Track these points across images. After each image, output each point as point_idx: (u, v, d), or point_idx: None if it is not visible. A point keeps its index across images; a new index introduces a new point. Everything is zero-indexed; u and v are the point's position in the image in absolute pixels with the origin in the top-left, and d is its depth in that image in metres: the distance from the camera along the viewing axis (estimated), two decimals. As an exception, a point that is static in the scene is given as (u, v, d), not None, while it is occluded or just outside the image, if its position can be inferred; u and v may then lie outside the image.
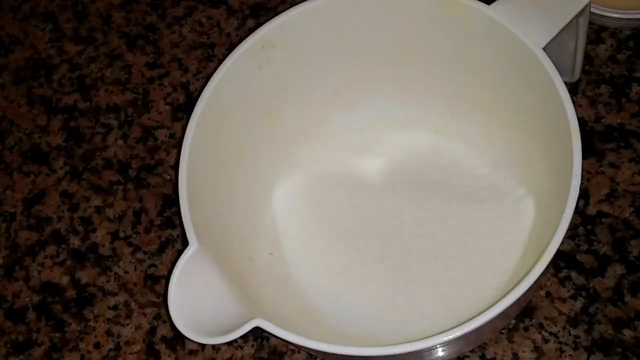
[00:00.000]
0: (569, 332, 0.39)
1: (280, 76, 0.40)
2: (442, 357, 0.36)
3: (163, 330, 0.42)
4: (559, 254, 0.36)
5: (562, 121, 0.33)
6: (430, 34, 0.39)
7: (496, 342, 0.39)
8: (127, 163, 0.47)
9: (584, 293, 0.40)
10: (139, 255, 0.44)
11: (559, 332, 0.39)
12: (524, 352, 0.39)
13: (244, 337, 0.41)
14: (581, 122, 0.43)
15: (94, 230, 0.46)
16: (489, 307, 0.30)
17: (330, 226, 0.42)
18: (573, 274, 0.40)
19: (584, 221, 0.41)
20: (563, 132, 0.33)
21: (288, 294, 0.40)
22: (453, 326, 0.30)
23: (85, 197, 0.47)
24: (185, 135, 0.35)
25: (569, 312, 0.39)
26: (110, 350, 0.42)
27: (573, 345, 0.38)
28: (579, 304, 0.39)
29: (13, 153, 0.49)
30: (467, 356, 0.39)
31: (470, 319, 0.30)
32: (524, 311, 0.39)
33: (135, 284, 0.44)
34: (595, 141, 0.43)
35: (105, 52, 0.52)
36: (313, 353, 0.39)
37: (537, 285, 0.34)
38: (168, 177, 0.47)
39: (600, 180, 0.42)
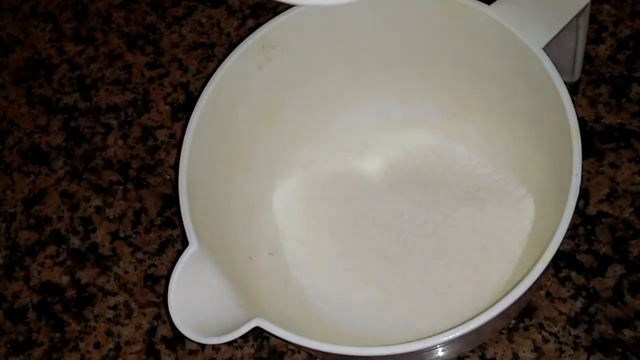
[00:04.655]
0: (569, 332, 0.39)
1: (280, 76, 0.40)
2: (442, 357, 0.36)
3: (163, 330, 0.42)
4: (559, 254, 0.36)
5: (562, 121, 0.33)
6: (430, 34, 0.39)
7: (496, 342, 0.39)
8: (127, 163, 0.47)
9: (584, 293, 0.40)
10: (139, 255, 0.44)
11: (559, 332, 0.39)
12: (524, 352, 0.39)
13: (244, 337, 0.41)
14: (581, 122, 0.43)
15: (94, 230, 0.46)
16: (489, 307, 0.30)
17: (330, 226, 0.42)
18: (573, 274, 0.40)
19: (584, 221, 0.41)
20: (563, 132, 0.33)
21: (288, 294, 0.40)
22: (453, 326, 0.30)
23: (85, 197, 0.47)
24: (185, 135, 0.35)
25: (569, 312, 0.39)
26: (110, 350, 0.42)
27: (573, 345, 0.38)
28: (579, 304, 0.39)
29: (13, 153, 0.49)
30: (467, 356, 0.39)
31: (470, 319, 0.30)
32: (524, 311, 0.39)
33: (135, 284, 0.44)
34: (595, 141, 0.43)
35: (105, 52, 0.52)
36: (313, 353, 0.39)
37: (537, 285, 0.34)
38: (168, 177, 0.47)
39: (600, 180, 0.42)
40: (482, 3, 0.36)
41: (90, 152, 0.48)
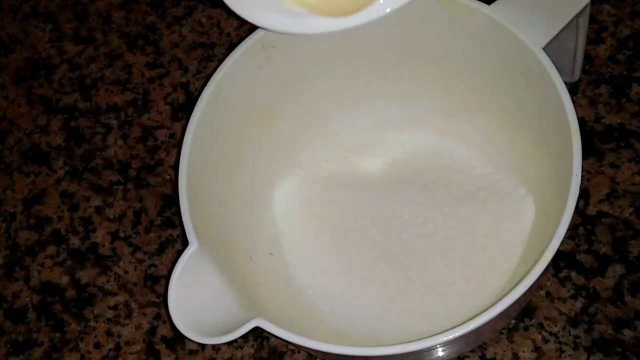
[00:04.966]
0: (569, 332, 0.39)
1: (280, 76, 0.40)
2: (442, 357, 0.36)
3: (163, 330, 0.42)
4: (559, 254, 0.36)
5: (562, 121, 0.33)
6: (431, 34, 0.39)
7: (496, 342, 0.39)
8: (127, 163, 0.47)
9: (584, 293, 0.40)
10: (139, 255, 0.44)
11: (559, 332, 0.39)
12: (524, 352, 0.39)
13: (244, 337, 0.41)
14: (581, 122, 0.43)
15: (94, 230, 0.46)
16: (489, 307, 0.30)
17: (330, 226, 0.42)
18: (573, 274, 0.40)
19: (584, 221, 0.41)
20: (563, 132, 0.33)
21: (288, 294, 0.40)
22: (453, 326, 0.30)
23: (85, 197, 0.47)
24: (185, 135, 0.35)
25: (569, 312, 0.39)
26: (110, 350, 0.42)
27: (573, 345, 0.38)
28: (579, 304, 0.39)
29: (13, 153, 0.49)
30: (467, 356, 0.39)
31: (470, 319, 0.30)
32: (524, 311, 0.39)
33: (135, 284, 0.44)
34: (595, 141, 0.43)
35: (105, 52, 0.52)
36: (313, 353, 0.39)
37: (537, 285, 0.34)
38: (168, 177, 0.47)
39: (600, 180, 0.42)
40: (482, 3, 0.36)
41: (90, 152, 0.48)
